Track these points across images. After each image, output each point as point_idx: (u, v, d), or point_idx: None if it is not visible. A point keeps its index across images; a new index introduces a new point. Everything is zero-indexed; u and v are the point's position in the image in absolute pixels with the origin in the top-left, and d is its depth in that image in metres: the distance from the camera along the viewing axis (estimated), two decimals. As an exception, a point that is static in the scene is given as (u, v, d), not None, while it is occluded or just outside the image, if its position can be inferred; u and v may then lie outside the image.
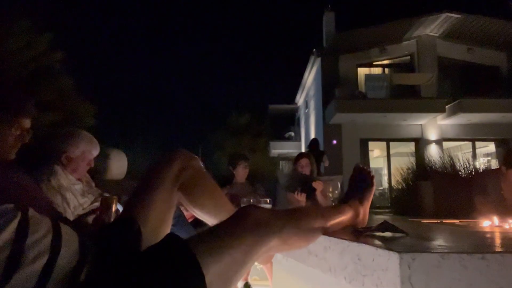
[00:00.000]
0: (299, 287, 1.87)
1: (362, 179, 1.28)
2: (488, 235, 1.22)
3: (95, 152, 1.94)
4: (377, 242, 0.88)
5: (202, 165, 1.19)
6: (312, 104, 15.38)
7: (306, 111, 17.15)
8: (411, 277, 0.73)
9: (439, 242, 1.00)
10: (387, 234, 1.07)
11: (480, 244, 0.98)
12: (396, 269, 0.73)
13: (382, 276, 0.77)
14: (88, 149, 1.89)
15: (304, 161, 3.49)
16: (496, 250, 0.82)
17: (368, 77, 12.40)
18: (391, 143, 12.17)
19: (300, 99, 19.26)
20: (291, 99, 20.40)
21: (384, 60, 12.79)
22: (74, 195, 1.78)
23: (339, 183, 2.82)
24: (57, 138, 1.87)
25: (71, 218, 1.73)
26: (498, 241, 1.04)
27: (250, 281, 3.08)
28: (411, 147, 11.35)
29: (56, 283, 0.68)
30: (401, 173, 7.24)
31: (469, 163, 5.98)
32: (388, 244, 0.83)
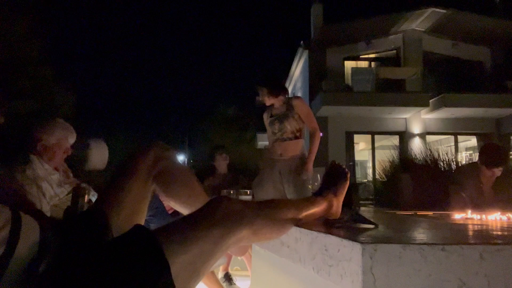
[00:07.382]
0: (275, 277, 1.90)
1: (337, 173, 1.30)
2: (454, 227, 1.25)
3: (72, 139, 1.90)
4: (344, 233, 0.89)
5: (176, 157, 1.19)
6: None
7: (293, 103, 17.11)
8: (373, 267, 0.74)
9: (404, 233, 1.03)
10: (358, 225, 1.09)
11: (442, 236, 1.01)
12: (358, 259, 0.75)
13: (346, 266, 0.79)
14: (64, 136, 1.86)
15: (262, 91, 2.92)
16: (457, 241, 0.84)
17: (354, 70, 12.43)
18: (376, 136, 12.32)
19: (287, 91, 19.23)
20: (279, 91, 20.32)
21: (371, 53, 12.86)
22: (50, 185, 1.75)
23: (319, 175, 2.82)
24: (32, 126, 1.83)
25: (48, 208, 1.71)
26: (462, 233, 1.07)
27: (231, 271, 3.12)
28: (395, 140, 11.51)
29: (13, 274, 0.67)
30: (383, 166, 7.34)
31: (449, 157, 6.09)
32: (353, 235, 0.85)
